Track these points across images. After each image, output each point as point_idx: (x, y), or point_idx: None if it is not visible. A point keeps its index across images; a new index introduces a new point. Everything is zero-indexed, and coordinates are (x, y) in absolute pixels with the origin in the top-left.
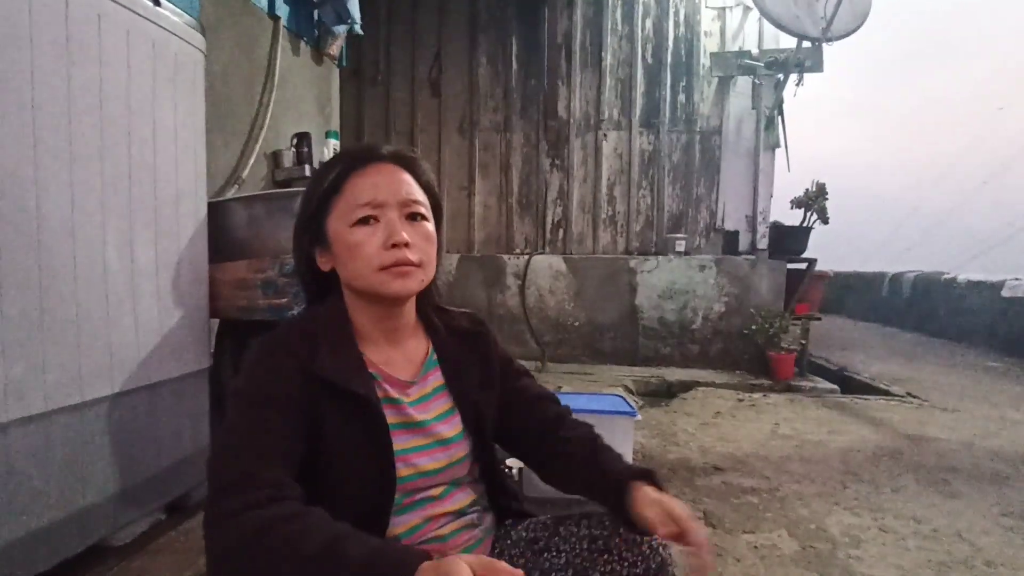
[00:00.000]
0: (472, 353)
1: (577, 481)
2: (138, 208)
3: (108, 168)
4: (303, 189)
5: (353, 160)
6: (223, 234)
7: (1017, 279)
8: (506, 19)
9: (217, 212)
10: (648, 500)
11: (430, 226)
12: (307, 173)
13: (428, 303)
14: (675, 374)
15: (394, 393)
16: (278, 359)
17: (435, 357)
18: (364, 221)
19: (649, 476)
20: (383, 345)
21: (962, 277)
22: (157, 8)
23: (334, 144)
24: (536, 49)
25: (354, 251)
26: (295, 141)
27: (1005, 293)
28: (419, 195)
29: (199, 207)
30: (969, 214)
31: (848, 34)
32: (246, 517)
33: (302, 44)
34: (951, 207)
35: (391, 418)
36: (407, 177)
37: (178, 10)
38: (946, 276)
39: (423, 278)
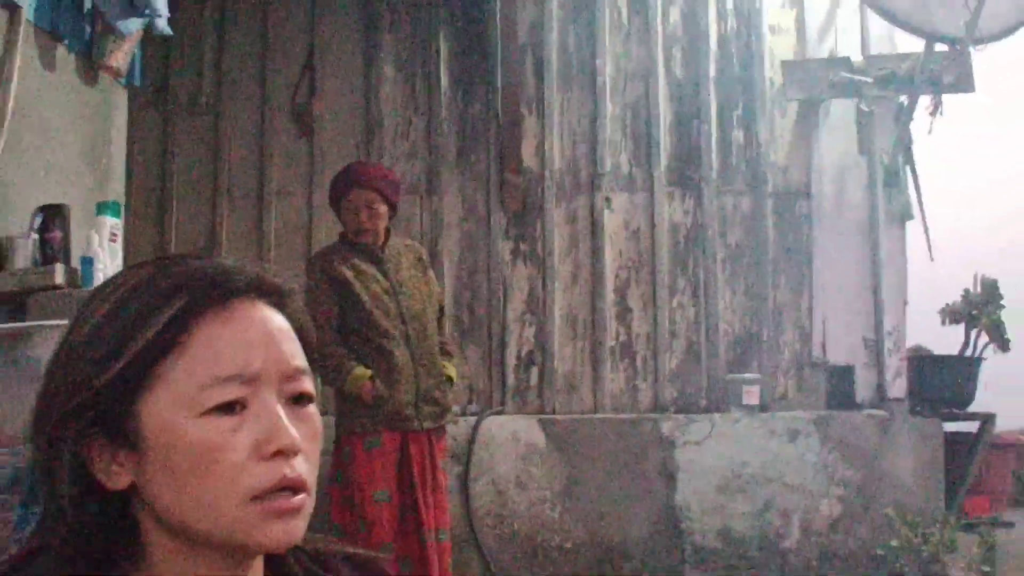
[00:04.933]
0: None
1: None
2: None
3: None
4: (56, 323)
5: (203, 292)
6: None
7: None
8: (428, 6)
9: None
10: None
11: (317, 414)
12: (59, 279)
13: None
14: None
15: None
16: None
17: None
18: (226, 408)
19: None
20: None
21: None
22: None
23: (112, 224)
24: (482, 54)
25: (207, 462)
26: (39, 221)
27: None
28: (303, 358)
29: None
30: None
31: (1008, 31)
32: None
33: (61, 50)
34: None
35: None
36: (283, 323)
37: None
38: None
39: (311, 508)
